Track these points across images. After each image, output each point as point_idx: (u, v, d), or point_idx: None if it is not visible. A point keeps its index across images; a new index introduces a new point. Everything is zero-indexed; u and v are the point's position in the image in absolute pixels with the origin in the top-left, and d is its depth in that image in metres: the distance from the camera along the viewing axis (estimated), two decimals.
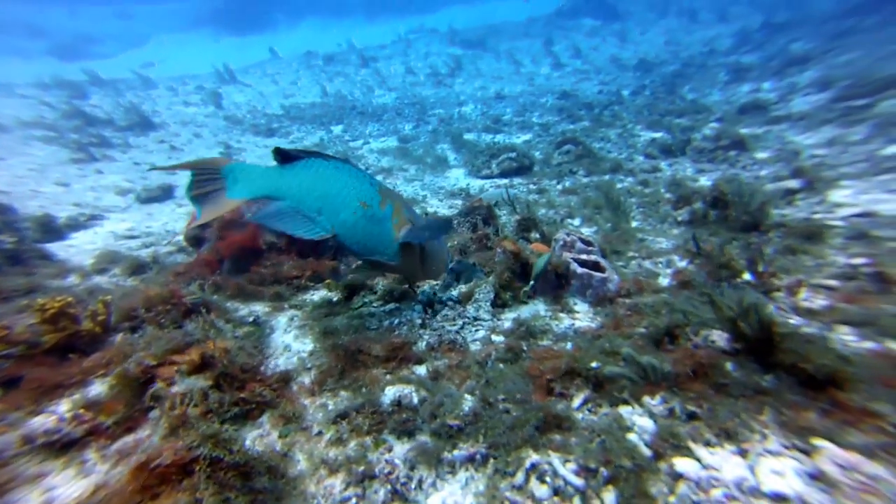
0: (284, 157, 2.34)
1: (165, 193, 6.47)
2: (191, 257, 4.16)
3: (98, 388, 2.15)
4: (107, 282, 3.81)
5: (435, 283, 2.91)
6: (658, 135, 7.02)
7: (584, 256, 2.54)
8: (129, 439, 1.86)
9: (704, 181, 4.85)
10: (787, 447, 1.45)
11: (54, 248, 4.56)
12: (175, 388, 1.89)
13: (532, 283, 2.58)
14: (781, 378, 1.64)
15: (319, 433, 1.92)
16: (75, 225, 5.27)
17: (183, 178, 7.16)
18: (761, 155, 5.63)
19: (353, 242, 2.36)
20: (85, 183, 6.83)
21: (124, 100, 11.88)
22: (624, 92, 10.87)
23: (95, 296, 3.17)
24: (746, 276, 2.35)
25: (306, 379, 2.28)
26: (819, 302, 2.25)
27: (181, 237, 4.81)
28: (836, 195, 4.09)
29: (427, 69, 16.32)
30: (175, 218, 5.68)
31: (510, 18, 24.10)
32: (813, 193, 4.18)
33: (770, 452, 1.43)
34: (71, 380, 2.21)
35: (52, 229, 4.94)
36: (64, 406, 2.04)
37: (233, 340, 2.13)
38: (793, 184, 4.31)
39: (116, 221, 5.57)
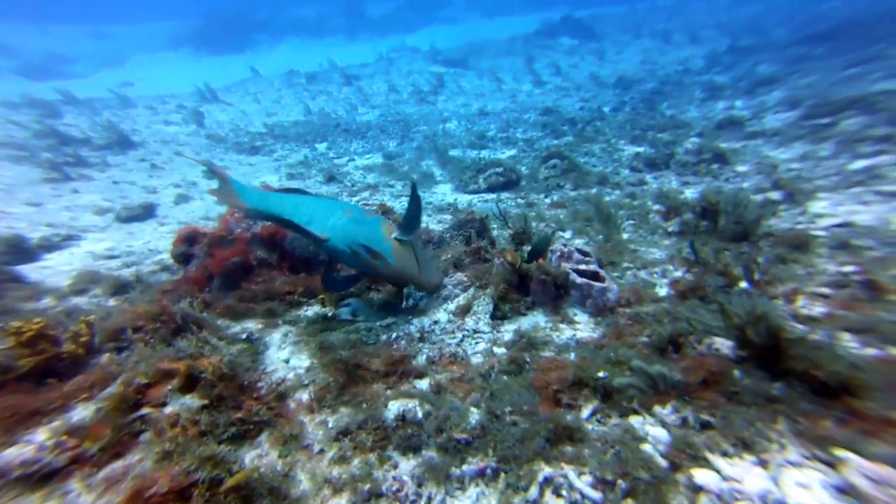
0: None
1: (147, 212, 6.31)
2: (176, 276, 4.05)
3: (81, 413, 2.04)
4: (87, 303, 3.67)
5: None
6: (641, 149, 7.16)
7: (582, 267, 2.54)
8: (117, 465, 1.75)
9: (690, 193, 4.94)
10: (808, 458, 1.43)
11: (26, 269, 4.39)
12: (168, 409, 1.80)
13: (528, 256, 2.67)
14: (792, 386, 1.63)
15: (321, 451, 1.85)
16: (49, 246, 5.08)
17: (166, 198, 7.04)
18: (742, 168, 5.78)
19: (344, 246, 2.53)
20: (59, 203, 6.63)
21: (101, 118, 11.66)
22: (605, 108, 11.10)
23: (75, 317, 3.05)
24: (743, 285, 2.37)
25: (304, 395, 2.21)
26: (818, 309, 2.28)
27: (165, 256, 4.68)
28: (815, 206, 4.21)
29: (410, 87, 16.46)
30: (157, 237, 5.54)
31: (491, 37, 24.56)
32: (794, 205, 4.30)
33: (791, 463, 1.41)
34: (50, 406, 2.09)
35: (24, 250, 4.75)
36: (42, 435, 1.91)
37: (226, 357, 2.04)
38: (775, 195, 4.42)
39: (94, 241, 5.40)
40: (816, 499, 1.30)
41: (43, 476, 1.70)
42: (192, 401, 1.84)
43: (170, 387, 1.82)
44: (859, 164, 5.03)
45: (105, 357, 2.38)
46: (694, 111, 9.96)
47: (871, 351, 1.92)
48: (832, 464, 1.40)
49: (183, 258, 3.24)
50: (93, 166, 8.40)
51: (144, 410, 1.80)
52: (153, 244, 5.25)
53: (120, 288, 3.83)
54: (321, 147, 10.05)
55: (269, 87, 17.53)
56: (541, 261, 2.66)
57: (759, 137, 7.13)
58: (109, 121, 10.95)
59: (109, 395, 1.90)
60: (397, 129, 11.09)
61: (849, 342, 1.95)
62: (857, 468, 1.30)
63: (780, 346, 1.63)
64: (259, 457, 1.83)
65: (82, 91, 15.28)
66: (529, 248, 2.72)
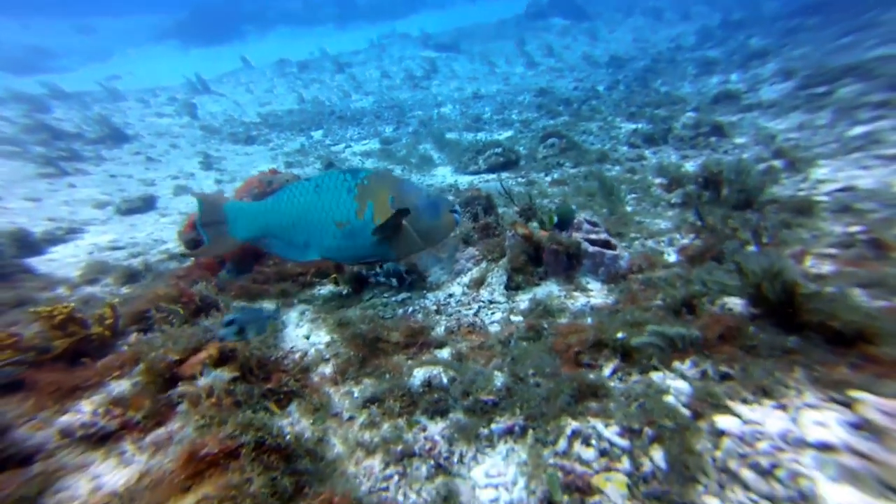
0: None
1: (147, 204, 6.32)
2: (184, 264, 4.09)
3: (118, 388, 2.12)
4: (100, 291, 3.71)
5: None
6: (638, 125, 7.18)
7: (593, 236, 2.59)
8: (161, 432, 1.86)
9: (689, 166, 4.99)
10: (824, 400, 1.49)
11: (34, 262, 4.42)
12: (202, 382, 1.86)
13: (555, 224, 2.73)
14: (807, 338, 1.68)
15: (351, 418, 1.91)
16: (53, 239, 5.11)
17: (165, 189, 7.03)
18: (740, 140, 5.82)
19: (342, 259, 2.59)
20: (57, 197, 6.61)
21: (92, 112, 11.54)
22: (599, 87, 11.08)
23: (92, 305, 3.10)
24: (751, 248, 2.43)
25: (327, 369, 2.26)
26: (826, 268, 2.34)
27: (171, 245, 4.71)
28: (816, 173, 4.27)
29: (402, 73, 16.34)
30: (160, 228, 5.55)
31: (481, 21, 24.34)
32: (794, 172, 4.35)
33: (809, 406, 1.46)
34: (87, 382, 2.17)
35: (29, 244, 4.78)
36: (87, 406, 2.01)
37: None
38: (776, 163, 4.48)
39: (97, 234, 5.41)
40: (834, 434, 1.36)
41: (100, 437, 1.85)
42: (224, 374, 1.89)
43: (203, 361, 1.87)
44: (858, 130, 5.07)
45: (132, 337, 2.43)
46: (688, 87, 9.97)
47: (880, 303, 1.98)
48: (848, 404, 1.46)
49: (193, 244, 3.27)
50: (87, 160, 8.35)
51: (181, 386, 1.87)
52: (157, 235, 5.27)
53: (130, 277, 3.88)
54: (317, 135, 10.02)
55: (260, 77, 17.36)
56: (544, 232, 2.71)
57: (756, 109, 7.16)
58: (101, 115, 10.85)
59: (143, 369, 1.96)
60: (392, 115, 11.05)
61: (859, 296, 2.01)
62: (873, 405, 1.36)
63: (794, 300, 1.68)
64: (291, 425, 1.89)
65: (69, 85, 15.06)
66: (556, 217, 2.76)
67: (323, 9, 32.39)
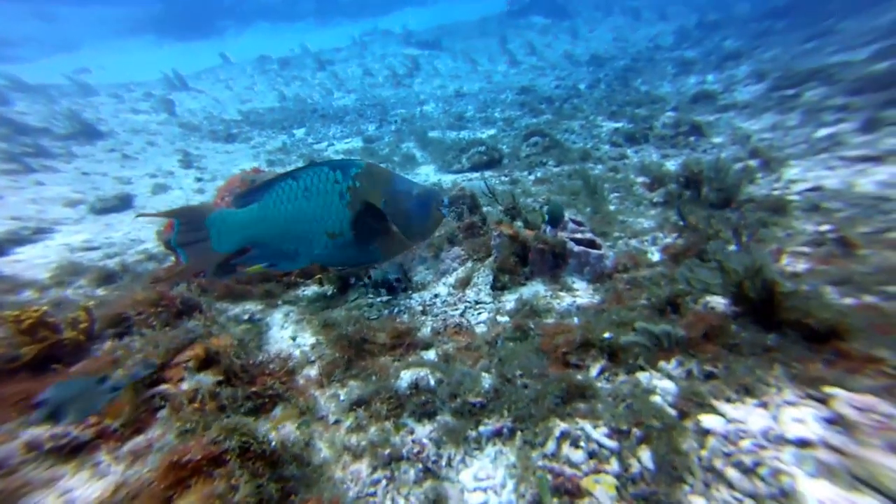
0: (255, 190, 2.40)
1: (123, 203, 6.14)
2: (164, 265, 3.99)
3: None
4: (73, 293, 3.60)
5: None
6: (620, 124, 7.27)
7: (578, 235, 2.61)
8: (139, 440, 1.79)
9: (671, 165, 5.06)
10: (802, 397, 1.53)
11: None
12: (184, 386, 1.82)
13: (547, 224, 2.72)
14: (786, 335, 1.73)
15: (337, 421, 1.89)
16: (18, 239, 4.90)
17: (143, 188, 6.85)
18: (717, 139, 5.94)
19: (330, 265, 2.54)
20: (23, 195, 6.37)
21: (61, 107, 11.17)
22: (580, 86, 11.18)
23: (64, 308, 3.00)
24: (732, 247, 2.48)
25: (312, 371, 2.24)
26: (800, 266, 2.41)
27: (150, 245, 4.60)
28: (788, 173, 4.38)
29: (385, 70, 16.24)
30: (137, 227, 5.40)
31: (463, 18, 24.33)
32: (769, 172, 4.46)
33: (788, 403, 1.51)
34: None
35: None
36: None
37: (237, 336, 2.05)
38: (751, 163, 4.58)
39: (70, 234, 5.25)
40: (810, 430, 1.41)
41: (72, 449, 1.74)
42: (208, 377, 1.85)
43: (185, 364, 1.83)
44: (823, 131, 5.25)
45: (108, 343, 2.36)
46: (667, 86, 10.12)
47: (849, 300, 2.05)
48: (823, 400, 1.51)
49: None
50: (56, 157, 8.07)
51: (163, 387, 1.81)
52: (134, 234, 5.13)
53: (106, 278, 3.76)
54: (299, 133, 9.89)
55: (240, 73, 17.06)
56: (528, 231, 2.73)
57: (731, 110, 7.32)
58: (71, 109, 10.51)
59: (122, 374, 1.89)
60: (375, 113, 10.97)
61: (830, 293, 2.07)
62: (845, 400, 1.42)
63: (774, 299, 1.73)
64: (276, 429, 1.86)
65: (32, 77, 14.49)
66: (547, 216, 2.77)
67: (303, 3, 31.95)
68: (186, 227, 2.31)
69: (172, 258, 3.52)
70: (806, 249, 2.70)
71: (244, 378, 1.94)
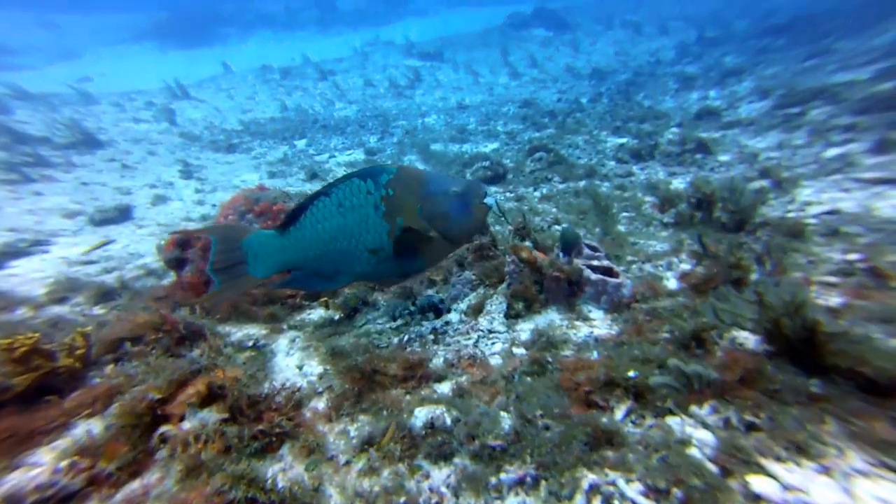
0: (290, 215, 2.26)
1: (123, 214, 6.05)
2: (163, 280, 3.90)
3: (86, 430, 1.93)
4: (70, 312, 3.50)
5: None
6: (624, 140, 7.23)
7: (595, 262, 2.54)
8: (135, 486, 1.66)
9: (678, 183, 5.01)
10: (874, 465, 1.38)
11: None
12: (187, 424, 1.72)
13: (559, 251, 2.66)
14: (834, 383, 1.60)
15: (348, 463, 1.79)
16: (14, 252, 4.79)
17: (142, 199, 6.75)
18: (724, 157, 5.90)
19: (373, 281, 2.42)
20: (20, 206, 6.26)
21: (62, 116, 11.09)
22: (583, 99, 11.17)
23: (61, 328, 2.90)
24: (754, 276, 2.41)
25: (320, 404, 2.14)
26: (834, 299, 2.31)
27: (149, 259, 4.50)
28: (802, 194, 4.32)
29: (386, 81, 16.24)
30: (136, 240, 5.32)
31: (464, 29, 24.45)
32: (781, 193, 4.40)
33: (860, 472, 1.35)
34: (51, 424, 1.98)
35: None
36: (45, 455, 1.81)
37: (242, 367, 1.96)
38: (763, 183, 4.52)
39: (67, 246, 5.14)
40: None
41: (59, 500, 1.59)
42: (212, 414, 1.75)
43: (188, 401, 1.73)
44: (833, 151, 5.19)
45: (108, 369, 2.25)
46: (670, 101, 10.12)
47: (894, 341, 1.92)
48: None
49: (175, 263, 3.11)
50: (56, 167, 7.98)
51: (164, 428, 1.71)
52: (133, 248, 5.03)
53: (104, 295, 3.66)
54: (300, 144, 9.84)
55: (242, 82, 17.04)
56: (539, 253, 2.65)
57: (736, 127, 7.28)
58: (72, 118, 10.43)
59: (120, 411, 1.79)
60: (377, 125, 10.93)
61: (876, 333, 1.94)
62: None
63: (815, 339, 1.63)
64: (283, 470, 1.77)
65: (34, 85, 14.39)
66: (560, 242, 2.70)
67: (304, 12, 32.08)
68: (223, 247, 2.19)
69: (172, 274, 3.43)
70: (834, 280, 2.60)
71: (251, 415, 1.84)
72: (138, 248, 4.96)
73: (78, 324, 2.84)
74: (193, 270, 3.05)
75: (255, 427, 1.79)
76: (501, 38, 21.14)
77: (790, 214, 3.80)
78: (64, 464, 1.66)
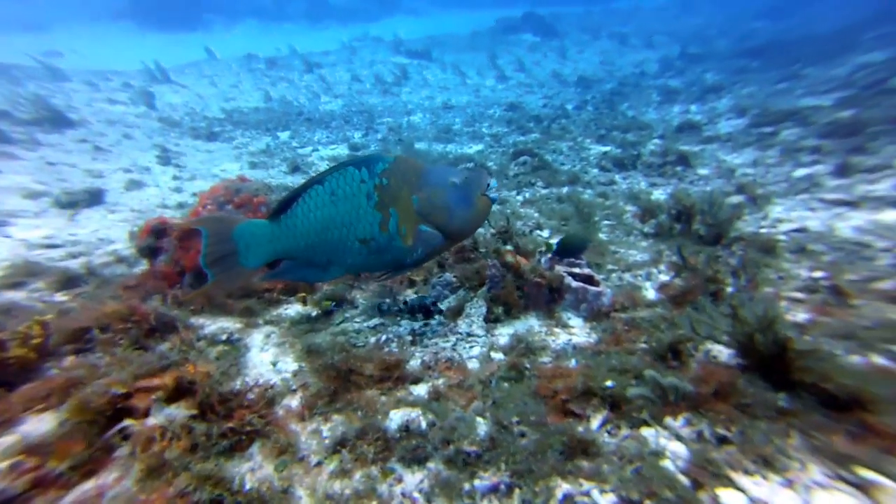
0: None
1: (93, 198, 5.78)
2: (135, 268, 3.76)
3: (38, 427, 1.82)
4: (27, 298, 3.33)
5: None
6: (608, 148, 7.32)
7: (576, 270, 2.55)
8: (87, 487, 1.55)
9: (659, 194, 5.09)
10: (832, 478, 1.43)
11: None
12: (152, 420, 1.65)
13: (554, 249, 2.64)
14: (799, 397, 1.65)
15: (319, 464, 1.75)
16: None
17: (115, 183, 6.52)
18: (703, 171, 6.02)
19: (367, 272, 2.35)
20: None
21: (25, 90, 10.62)
22: (568, 106, 11.27)
23: (15, 315, 2.74)
24: (730, 290, 2.45)
25: (293, 402, 2.10)
26: (801, 315, 2.38)
27: (120, 246, 4.35)
28: (774, 211, 4.44)
29: (373, 77, 16.11)
30: (108, 225, 5.12)
31: (454, 31, 24.45)
32: (755, 208, 4.51)
33: (819, 485, 1.39)
34: None
35: None
36: None
37: (214, 362, 1.90)
38: (739, 198, 4.63)
39: (28, 228, 4.89)
40: None
41: None
42: (180, 410, 1.69)
43: (153, 396, 1.66)
44: (801, 171, 5.37)
45: (69, 360, 2.14)
46: (653, 113, 10.29)
47: (855, 358, 2.01)
48: (861, 486, 1.40)
49: (149, 252, 3.00)
50: (17, 143, 7.56)
51: (126, 422, 1.63)
52: (103, 233, 4.84)
53: (68, 282, 3.50)
54: (283, 136, 9.67)
55: (226, 70, 16.66)
56: (522, 259, 2.65)
57: (715, 142, 7.45)
58: (37, 94, 10.00)
59: (77, 405, 1.69)
60: (362, 120, 10.83)
61: (838, 350, 2.01)
62: (894, 494, 1.28)
63: (786, 356, 1.67)
64: (252, 470, 1.72)
65: None
66: (555, 245, 2.67)
67: (294, 4, 31.60)
68: (214, 239, 2.11)
69: (145, 263, 3.31)
70: (801, 296, 2.68)
71: (221, 412, 1.78)
72: (109, 234, 4.78)
73: (36, 311, 2.70)
74: (168, 260, 2.96)
75: (224, 424, 1.74)
76: (490, 41, 21.22)
77: (763, 230, 3.90)
78: (4, 465, 1.55)
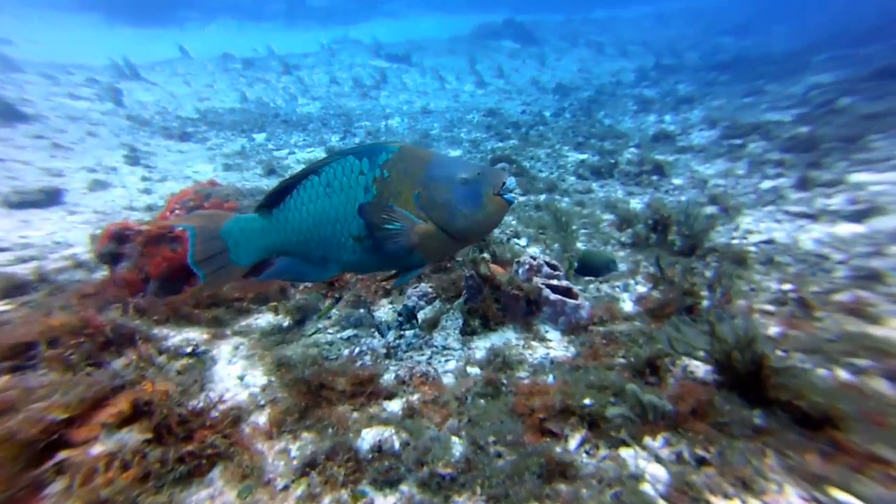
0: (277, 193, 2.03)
1: (50, 198, 5.47)
2: (95, 274, 3.58)
3: None
4: None
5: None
6: (585, 156, 7.38)
7: (554, 282, 2.52)
8: None
9: (636, 203, 5.13)
10: (807, 500, 1.43)
11: None
12: (98, 448, 1.52)
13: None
14: (774, 415, 1.65)
15: (286, 488, 1.66)
16: None
17: (77, 182, 6.24)
18: (678, 181, 6.11)
19: (365, 272, 2.23)
20: None
21: None
22: (546, 113, 11.37)
23: None
24: (705, 303, 2.46)
25: (261, 419, 2.00)
26: (773, 329, 2.40)
27: (79, 250, 4.14)
28: (744, 222, 4.52)
29: (352, 81, 15.97)
30: (66, 227, 4.86)
31: (433, 35, 24.48)
32: (728, 220, 4.58)
33: None
34: None
35: None
36: None
37: (175, 379, 1.78)
38: (712, 209, 4.70)
39: None
40: None
41: None
42: (132, 435, 1.57)
43: (104, 422, 1.54)
44: (767, 184, 5.51)
45: (2, 381, 1.97)
46: (629, 122, 10.45)
47: (821, 371, 2.03)
48: None
49: (110, 257, 2.85)
50: None
51: (63, 454, 1.48)
52: (60, 236, 4.59)
53: (15, 289, 3.25)
54: (259, 137, 9.47)
55: (201, 69, 16.27)
56: (499, 269, 2.61)
57: (688, 152, 7.59)
58: None
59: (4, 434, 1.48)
60: (339, 124, 10.70)
61: (804, 364, 2.03)
62: None
63: (761, 373, 1.66)
64: (211, 498, 1.62)
65: None
66: (576, 262, 2.60)
67: (272, 3, 31.16)
68: (201, 238, 1.96)
69: (106, 268, 3.14)
70: (771, 308, 2.72)
71: (180, 433, 1.67)
72: (67, 237, 4.55)
73: None
74: (131, 266, 2.81)
75: (183, 448, 1.63)
76: (470, 47, 21.30)
77: (735, 241, 3.96)
78: None
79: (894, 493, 1.40)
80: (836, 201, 4.58)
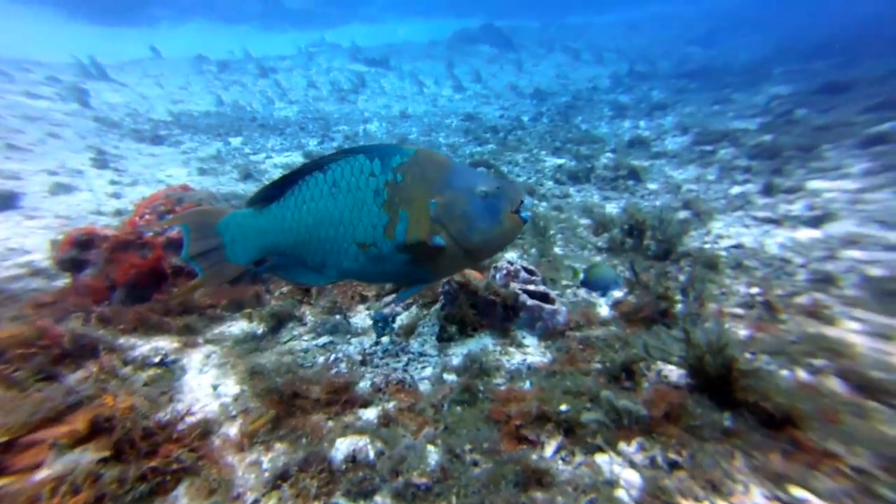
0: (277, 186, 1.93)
1: (4, 202, 5.24)
2: (55, 283, 3.43)
3: None
4: None
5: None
6: (563, 161, 7.45)
7: (531, 287, 2.52)
8: None
9: (612, 208, 5.20)
10: (769, 499, 1.46)
11: None
12: (43, 473, 1.41)
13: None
14: (742, 417, 1.69)
15: (255, 502, 1.61)
16: None
17: (36, 186, 5.98)
18: (652, 185, 6.22)
19: (364, 281, 2.17)
20: None
21: None
22: (524, 118, 11.46)
23: None
24: (679, 307, 2.49)
25: (232, 430, 1.94)
26: (742, 332, 2.46)
27: (37, 257, 3.95)
28: (715, 227, 4.62)
29: (329, 84, 15.85)
30: (23, 233, 4.62)
31: (411, 39, 24.51)
32: (700, 224, 4.68)
33: None
34: None
35: None
36: None
37: (140, 391, 1.71)
38: (687, 214, 4.79)
39: None
40: None
41: None
42: (86, 455, 1.49)
43: (54, 442, 1.44)
44: (736, 189, 5.67)
45: None
46: (605, 127, 10.60)
47: (783, 373, 2.09)
48: None
49: (71, 264, 2.74)
50: None
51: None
52: (15, 241, 4.35)
53: None
54: (235, 141, 9.29)
55: (174, 70, 15.94)
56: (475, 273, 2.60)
57: (662, 157, 7.74)
58: None
59: None
60: (317, 128, 10.59)
61: (769, 365, 2.08)
62: None
63: (731, 376, 1.69)
64: None
65: None
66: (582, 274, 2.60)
67: (249, 5, 30.74)
68: (196, 234, 1.88)
69: (67, 276, 3.01)
70: (740, 311, 2.79)
71: (143, 449, 1.60)
72: (24, 243, 4.32)
73: None
74: (96, 273, 2.71)
75: (145, 464, 1.56)
76: (448, 51, 21.39)
77: (707, 246, 4.04)
78: None
79: (842, 485, 1.45)
80: (797, 207, 4.75)
